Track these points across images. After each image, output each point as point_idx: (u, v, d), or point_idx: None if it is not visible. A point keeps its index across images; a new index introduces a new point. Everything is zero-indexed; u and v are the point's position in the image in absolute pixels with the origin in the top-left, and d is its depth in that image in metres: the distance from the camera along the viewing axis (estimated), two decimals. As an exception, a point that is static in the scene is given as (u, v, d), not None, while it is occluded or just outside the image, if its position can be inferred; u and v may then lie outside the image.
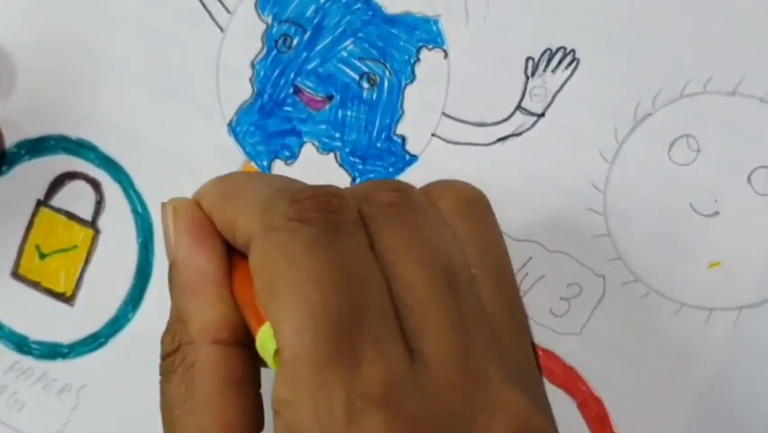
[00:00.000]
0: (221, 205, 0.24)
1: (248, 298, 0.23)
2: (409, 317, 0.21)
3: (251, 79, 0.34)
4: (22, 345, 0.36)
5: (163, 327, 0.35)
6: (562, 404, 0.32)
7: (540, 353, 0.32)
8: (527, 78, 0.32)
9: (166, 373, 0.24)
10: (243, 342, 0.24)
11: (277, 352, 0.21)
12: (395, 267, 0.22)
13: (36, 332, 0.36)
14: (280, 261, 0.21)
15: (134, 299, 0.35)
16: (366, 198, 0.23)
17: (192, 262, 0.24)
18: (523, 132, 0.32)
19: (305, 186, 0.24)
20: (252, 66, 0.34)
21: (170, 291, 0.25)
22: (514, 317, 0.23)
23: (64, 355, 0.36)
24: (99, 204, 0.36)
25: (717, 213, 0.31)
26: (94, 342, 0.36)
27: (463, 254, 0.23)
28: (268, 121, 0.34)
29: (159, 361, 0.25)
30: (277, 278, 0.21)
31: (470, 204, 0.24)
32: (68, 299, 0.36)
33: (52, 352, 0.36)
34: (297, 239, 0.21)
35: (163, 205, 0.26)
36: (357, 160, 0.34)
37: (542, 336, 0.32)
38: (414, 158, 0.33)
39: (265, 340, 0.21)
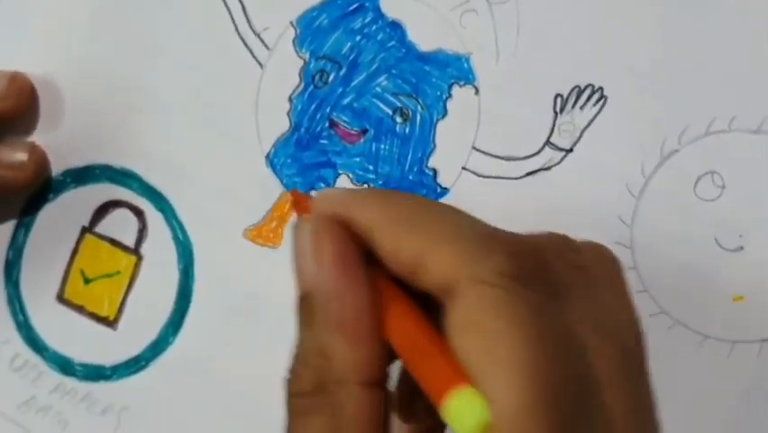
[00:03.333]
0: (394, 231, 0.22)
1: (420, 345, 0.21)
2: (610, 394, 0.21)
3: (288, 113, 0.36)
4: (66, 366, 0.38)
5: (203, 352, 0.37)
6: None
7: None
8: (556, 114, 0.34)
9: (302, 411, 0.23)
10: (385, 380, 0.23)
11: (482, 424, 0.19)
12: (593, 338, 0.21)
13: (80, 354, 0.38)
14: (500, 325, 0.20)
15: (175, 323, 0.37)
16: (561, 258, 0.22)
17: (343, 296, 0.22)
18: (552, 166, 0.34)
19: (509, 235, 0.22)
20: (290, 100, 0.36)
21: (305, 322, 0.24)
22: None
23: (107, 377, 0.38)
24: (142, 231, 0.38)
25: (742, 248, 0.32)
26: (135, 365, 0.38)
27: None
28: (304, 153, 0.36)
29: (285, 399, 0.23)
30: (496, 343, 0.20)
31: (615, 276, 0.24)
32: (111, 322, 0.38)
33: (95, 374, 0.38)
34: (521, 304, 0.20)
35: (298, 224, 0.24)
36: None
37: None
38: (445, 190, 0.35)
39: (464, 406, 0.20)
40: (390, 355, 0.23)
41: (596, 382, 0.20)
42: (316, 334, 0.23)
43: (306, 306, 0.23)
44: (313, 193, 0.24)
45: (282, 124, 0.36)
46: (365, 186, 0.36)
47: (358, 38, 0.35)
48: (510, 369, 0.19)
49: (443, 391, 0.20)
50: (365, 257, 0.23)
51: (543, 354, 0.20)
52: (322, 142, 0.36)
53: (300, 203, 0.26)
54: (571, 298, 0.21)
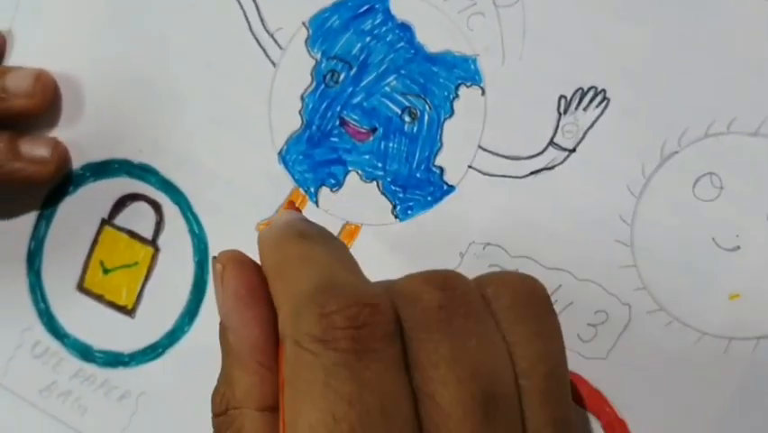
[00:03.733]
0: (272, 278, 0.25)
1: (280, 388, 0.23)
2: None
3: (300, 111, 0.37)
4: (86, 353, 0.40)
5: (216, 340, 0.38)
6: (588, 426, 0.34)
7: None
8: (560, 115, 0.35)
9: (216, 430, 0.25)
10: None
11: None
12: (431, 385, 0.21)
13: (99, 341, 0.40)
14: (303, 385, 0.21)
15: (191, 312, 0.39)
16: (413, 300, 0.23)
17: (238, 328, 0.25)
18: (555, 166, 0.35)
19: (341, 288, 0.23)
20: (302, 99, 0.37)
21: (221, 348, 0.26)
22: (558, 431, 0.22)
23: (125, 364, 0.39)
24: (159, 224, 0.39)
25: (738, 247, 0.33)
26: (152, 352, 0.39)
27: (510, 368, 0.22)
28: (315, 150, 0.37)
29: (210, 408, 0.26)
30: (300, 400, 0.21)
31: (528, 302, 0.24)
32: (129, 311, 0.39)
33: (114, 360, 0.40)
34: (318, 368, 0.21)
35: (213, 262, 0.26)
36: (398, 188, 0.37)
37: (569, 361, 0.34)
38: (451, 188, 0.36)
39: None
40: None
41: (418, 432, 0.21)
42: (224, 363, 0.25)
43: (220, 337, 0.26)
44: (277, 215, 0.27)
45: (294, 122, 0.38)
46: (374, 183, 0.37)
47: (368, 39, 0.37)
48: (303, 427, 0.21)
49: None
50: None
51: (326, 421, 0.21)
52: (332, 139, 0.37)
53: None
54: (413, 349, 0.22)
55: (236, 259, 0.26)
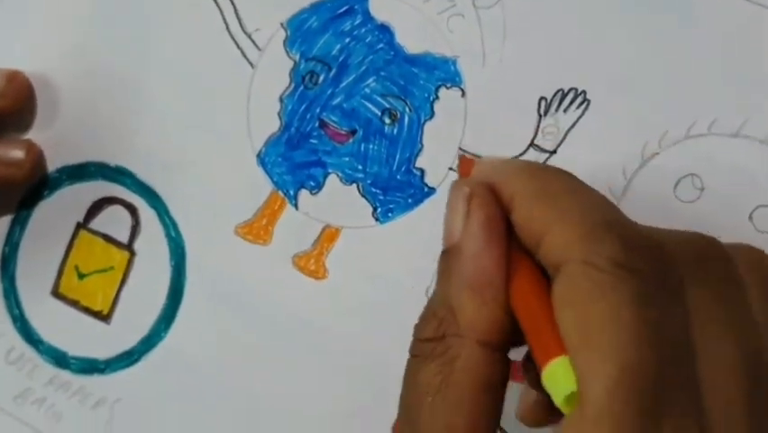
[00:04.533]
0: (529, 203, 0.24)
1: (534, 313, 0.23)
2: (713, 397, 0.21)
3: (279, 113, 0.37)
4: (61, 359, 0.39)
5: (194, 346, 0.37)
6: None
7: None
8: (540, 116, 0.34)
9: (422, 356, 0.24)
10: (506, 347, 0.24)
11: (572, 395, 0.21)
12: (710, 341, 0.21)
13: (74, 348, 0.39)
14: (601, 307, 0.21)
15: (167, 318, 0.38)
16: (697, 260, 0.23)
17: (480, 258, 0.24)
18: (536, 168, 0.34)
19: (636, 226, 0.23)
20: (281, 100, 0.37)
21: (442, 275, 0.25)
22: None
23: (100, 371, 0.39)
24: (135, 228, 0.39)
25: (720, 249, 0.33)
26: (128, 358, 0.39)
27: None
28: (294, 152, 0.37)
29: (409, 338, 0.25)
30: (593, 323, 0.21)
31: None
32: (104, 317, 0.39)
33: (89, 367, 0.39)
34: (625, 291, 0.21)
35: (457, 184, 0.26)
36: (378, 190, 0.36)
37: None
38: (432, 190, 0.36)
39: (559, 376, 0.21)
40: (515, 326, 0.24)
41: (696, 386, 0.21)
42: (449, 287, 0.24)
43: (446, 260, 0.25)
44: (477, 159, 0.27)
45: (273, 124, 0.37)
46: (354, 185, 0.37)
47: (347, 40, 0.36)
48: (600, 352, 0.20)
49: (544, 358, 0.22)
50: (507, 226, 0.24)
51: (636, 344, 0.20)
52: (312, 141, 0.37)
53: (464, 166, 0.28)
54: (694, 302, 0.22)
55: (484, 186, 0.25)
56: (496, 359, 0.24)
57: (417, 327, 0.25)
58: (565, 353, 0.21)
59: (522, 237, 0.24)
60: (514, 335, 0.24)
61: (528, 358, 0.26)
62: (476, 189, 0.25)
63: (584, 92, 0.34)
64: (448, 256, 0.25)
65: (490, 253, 0.24)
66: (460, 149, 0.35)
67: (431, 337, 0.24)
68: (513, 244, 0.24)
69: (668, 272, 0.22)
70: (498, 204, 0.25)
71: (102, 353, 0.39)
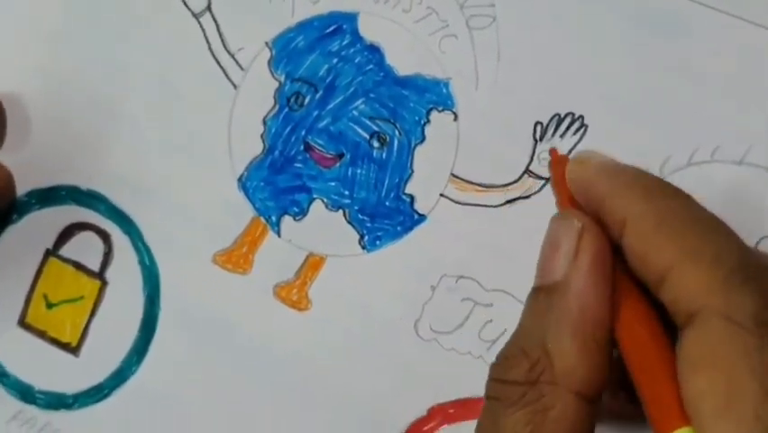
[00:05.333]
0: (649, 232, 0.21)
1: (653, 368, 0.21)
2: None
3: (262, 136, 0.35)
4: (26, 394, 0.37)
5: (168, 382, 0.35)
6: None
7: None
8: (536, 142, 0.33)
9: (507, 400, 0.22)
10: (597, 398, 0.22)
11: None
12: None
13: (41, 381, 0.37)
14: (746, 374, 0.19)
15: (139, 351, 0.36)
16: None
17: (587, 299, 0.22)
18: (531, 195, 0.33)
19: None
20: (264, 122, 0.35)
21: (538, 313, 0.23)
22: None
23: (68, 406, 0.37)
24: (107, 255, 0.37)
25: (724, 281, 0.31)
26: (98, 393, 0.37)
27: None
28: (278, 177, 0.35)
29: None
30: (734, 391, 0.19)
31: None
32: (73, 349, 0.37)
33: (57, 402, 0.37)
34: None
35: (565, 215, 0.24)
36: (366, 217, 0.35)
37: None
38: (422, 217, 0.34)
39: None
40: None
41: None
42: (546, 327, 0.22)
43: (545, 298, 0.23)
44: (572, 156, 0.25)
45: (256, 147, 0.35)
46: (340, 211, 0.35)
47: (335, 60, 0.35)
48: (741, 424, 0.18)
49: (663, 425, 0.20)
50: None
51: None
52: (296, 165, 0.35)
53: (558, 164, 0.25)
54: None
55: (594, 221, 0.23)
56: (591, 412, 0.22)
57: (500, 367, 0.23)
58: (690, 424, 0.19)
59: (637, 270, 0.22)
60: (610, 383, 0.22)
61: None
62: (587, 224, 0.23)
63: (582, 117, 0.33)
64: (549, 294, 0.23)
65: (599, 292, 0.22)
66: (452, 174, 0.34)
67: (521, 381, 0.22)
68: (625, 279, 0.22)
69: None
70: (606, 237, 0.22)
71: (70, 387, 0.37)
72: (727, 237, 0.22)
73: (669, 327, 0.22)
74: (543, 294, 0.23)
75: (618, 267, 0.22)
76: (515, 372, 0.22)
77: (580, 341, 0.22)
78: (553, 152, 0.30)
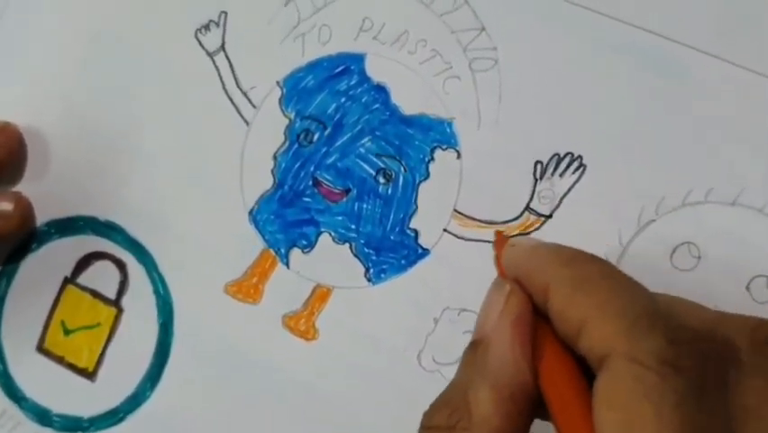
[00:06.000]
0: (566, 291, 0.23)
1: (570, 412, 0.22)
2: None
3: (272, 170, 0.36)
4: (44, 417, 0.38)
5: (181, 407, 0.37)
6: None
7: None
8: (536, 180, 0.34)
9: None
10: None
11: None
12: (745, 429, 0.21)
13: (58, 405, 0.38)
14: (647, 408, 0.20)
15: (153, 377, 0.37)
16: (753, 346, 0.22)
17: (506, 354, 0.24)
18: (531, 231, 0.34)
19: (677, 317, 0.23)
20: (275, 158, 0.36)
21: (465, 365, 0.25)
22: None
23: (84, 429, 0.38)
24: (123, 284, 0.38)
25: (717, 319, 0.32)
26: (113, 417, 0.38)
27: None
28: (287, 210, 0.36)
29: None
30: (636, 426, 0.20)
31: None
32: (90, 374, 0.38)
33: (73, 425, 0.38)
34: (670, 391, 0.20)
35: (499, 281, 0.26)
36: (371, 251, 0.36)
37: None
38: (426, 252, 0.35)
39: None
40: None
41: None
42: (469, 379, 0.24)
43: (473, 352, 0.25)
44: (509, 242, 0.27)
45: (266, 181, 0.37)
46: (346, 245, 0.36)
47: (343, 99, 0.36)
48: None
49: None
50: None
51: None
52: (305, 199, 0.36)
53: (500, 243, 0.28)
54: (746, 398, 0.21)
55: (520, 292, 0.25)
56: None
57: (427, 413, 0.25)
58: None
59: (559, 327, 0.24)
60: None
61: None
62: (515, 290, 0.25)
63: (580, 157, 0.34)
64: (475, 348, 0.25)
65: (518, 351, 0.24)
66: (455, 210, 0.35)
67: (441, 426, 0.24)
68: (549, 336, 0.24)
69: (717, 366, 0.21)
70: (530, 301, 0.25)
71: (86, 411, 0.38)
72: (633, 291, 0.24)
73: (592, 378, 0.23)
74: (473, 347, 0.25)
75: (544, 328, 0.24)
76: (437, 416, 0.24)
77: (496, 392, 0.23)
78: (497, 233, 0.32)
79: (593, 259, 0.25)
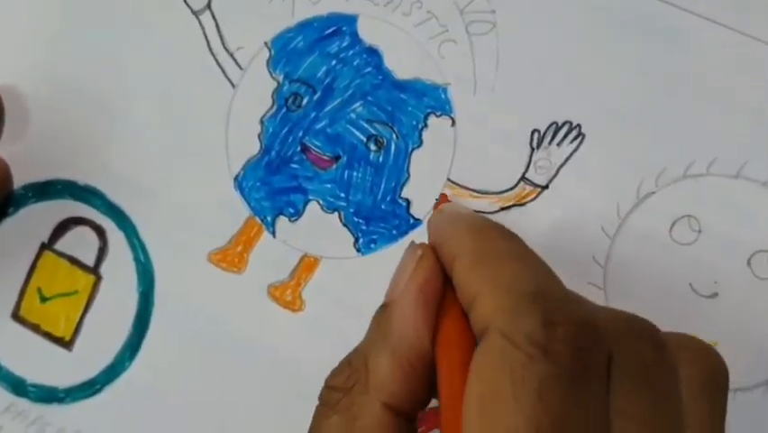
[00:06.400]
0: (468, 267, 0.23)
1: (451, 384, 0.22)
2: None
3: (259, 136, 0.35)
4: (19, 387, 0.37)
5: (160, 378, 0.36)
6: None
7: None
8: (533, 149, 0.33)
9: (327, 404, 0.24)
10: (412, 415, 0.23)
11: None
12: (614, 429, 0.20)
13: (34, 375, 0.37)
14: (507, 387, 0.20)
15: (132, 347, 0.36)
16: (628, 347, 0.22)
17: (408, 321, 0.24)
18: (527, 202, 0.33)
19: (564, 301, 0.22)
20: (262, 122, 0.35)
21: (371, 327, 0.25)
22: None
23: (60, 400, 0.37)
24: (102, 250, 0.37)
25: (716, 294, 0.32)
26: (90, 388, 0.36)
27: None
28: (274, 177, 0.35)
29: (320, 385, 0.25)
30: (492, 403, 0.20)
31: (712, 383, 0.23)
32: (66, 343, 0.37)
33: (49, 396, 0.37)
34: (533, 373, 0.20)
35: (415, 246, 0.26)
36: (361, 220, 0.35)
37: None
38: (418, 222, 0.34)
39: None
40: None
41: None
42: (373, 342, 0.24)
43: (379, 314, 0.25)
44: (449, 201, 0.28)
45: (252, 147, 0.35)
46: (335, 213, 0.35)
47: (334, 62, 0.35)
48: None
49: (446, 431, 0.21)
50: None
51: (531, 428, 0.19)
52: (293, 166, 0.35)
53: (436, 207, 0.29)
54: (615, 391, 0.21)
55: (433, 252, 0.25)
56: (400, 425, 0.23)
57: (332, 372, 0.25)
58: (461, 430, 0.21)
59: (460, 298, 0.24)
60: (426, 405, 0.23)
61: None
62: (426, 254, 0.25)
63: (579, 126, 0.33)
64: (382, 311, 0.25)
65: (420, 317, 0.24)
66: (448, 180, 0.34)
67: (338, 387, 0.24)
68: (455, 305, 0.24)
69: (591, 354, 0.21)
70: (440, 268, 0.25)
71: (62, 381, 0.37)
72: (530, 267, 0.23)
73: None
74: (380, 310, 0.25)
75: (452, 297, 0.24)
76: (337, 378, 0.24)
77: (395, 357, 0.23)
78: (441, 196, 0.32)
79: (503, 234, 0.25)
